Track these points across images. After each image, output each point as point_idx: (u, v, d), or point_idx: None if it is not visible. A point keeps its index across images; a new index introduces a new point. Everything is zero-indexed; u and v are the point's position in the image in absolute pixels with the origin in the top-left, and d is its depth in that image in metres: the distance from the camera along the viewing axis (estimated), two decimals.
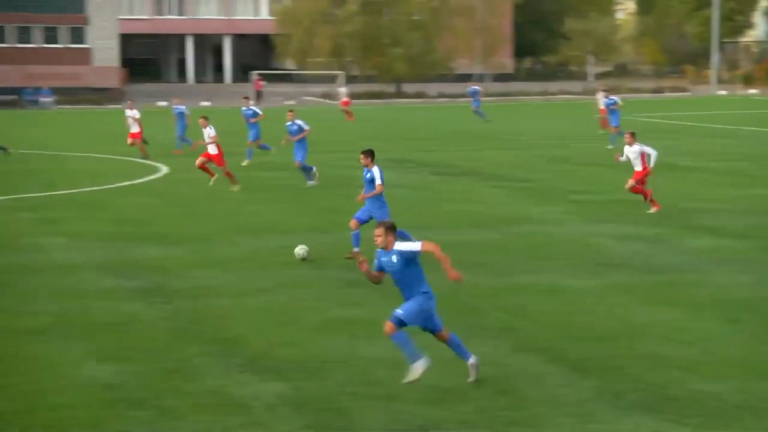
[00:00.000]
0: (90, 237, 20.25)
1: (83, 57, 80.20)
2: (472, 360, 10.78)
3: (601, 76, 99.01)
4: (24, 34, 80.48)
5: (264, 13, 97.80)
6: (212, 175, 26.84)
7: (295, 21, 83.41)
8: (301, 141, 27.28)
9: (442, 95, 77.61)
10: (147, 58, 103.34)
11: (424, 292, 10.52)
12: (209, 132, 26.84)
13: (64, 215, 23.20)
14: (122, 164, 33.37)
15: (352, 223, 17.13)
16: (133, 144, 34.24)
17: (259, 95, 78.21)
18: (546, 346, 11.97)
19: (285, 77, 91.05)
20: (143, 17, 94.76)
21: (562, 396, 10.20)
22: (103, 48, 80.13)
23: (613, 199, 24.43)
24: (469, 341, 11.49)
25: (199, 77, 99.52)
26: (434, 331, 10.78)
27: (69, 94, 73.36)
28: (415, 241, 10.81)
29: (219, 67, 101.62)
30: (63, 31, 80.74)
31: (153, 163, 32.37)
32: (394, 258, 10.22)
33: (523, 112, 64.97)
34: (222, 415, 9.73)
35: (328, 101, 74.58)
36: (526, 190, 25.96)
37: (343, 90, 62.26)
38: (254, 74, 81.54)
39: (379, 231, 10.44)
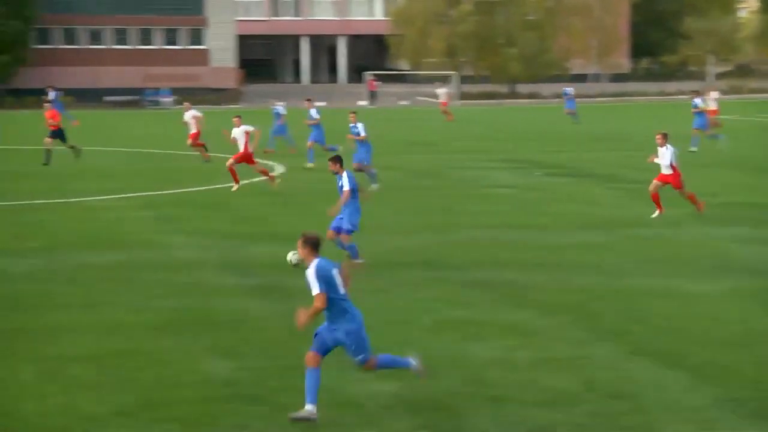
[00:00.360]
0: (207, 235, 20.47)
1: (201, 58, 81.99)
2: (414, 364, 9.73)
3: (721, 76, 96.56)
4: (145, 36, 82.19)
5: (378, 14, 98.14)
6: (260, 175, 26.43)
7: (409, 21, 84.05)
8: (364, 143, 27.24)
9: (556, 96, 76.50)
10: (262, 59, 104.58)
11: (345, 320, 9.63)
12: (242, 130, 26.63)
13: (182, 213, 23.61)
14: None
15: (329, 233, 16.79)
16: (193, 145, 34.00)
17: (373, 96, 79.35)
18: (664, 351, 11.73)
19: (398, 78, 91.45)
20: (260, 18, 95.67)
21: (681, 401, 9.99)
22: (221, 49, 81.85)
23: (731, 201, 23.94)
24: (584, 344, 11.31)
25: (314, 78, 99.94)
26: (322, 352, 9.56)
27: (187, 95, 74.05)
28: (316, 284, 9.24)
29: (333, 68, 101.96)
30: (182, 33, 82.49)
31: (269, 162, 32.67)
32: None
33: (639, 113, 64.41)
34: (336, 413, 9.75)
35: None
36: (639, 192, 25.47)
37: (441, 91, 61.79)
38: (368, 75, 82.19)
39: (299, 242, 9.52)
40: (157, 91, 76.14)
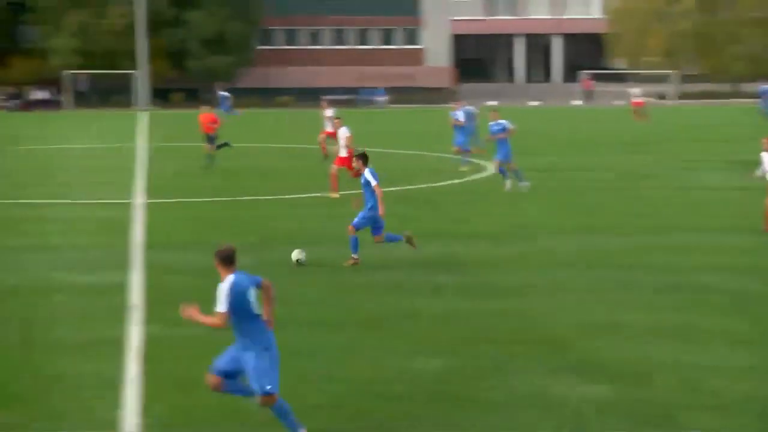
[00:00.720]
0: (415, 232, 20.79)
1: (416, 58, 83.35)
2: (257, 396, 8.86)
3: None
4: (362, 37, 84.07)
5: (595, 13, 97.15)
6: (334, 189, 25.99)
7: (627, 19, 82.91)
8: (504, 141, 26.68)
9: None
10: (477, 59, 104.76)
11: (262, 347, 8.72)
12: (344, 133, 26.33)
13: (393, 211, 24.46)
14: (446, 163, 33.80)
15: (375, 239, 16.87)
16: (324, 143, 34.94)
17: (588, 95, 78.95)
18: None
19: (615, 77, 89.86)
20: (475, 18, 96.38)
21: None
22: (436, 49, 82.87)
23: None
24: None
25: (528, 77, 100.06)
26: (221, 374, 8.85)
27: (402, 94, 76.25)
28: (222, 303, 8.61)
29: (547, 67, 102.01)
30: (398, 33, 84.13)
31: (479, 161, 32.65)
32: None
33: None
34: (545, 416, 9.71)
35: (660, 101, 73.40)
36: None
37: (636, 90, 60.90)
38: (583, 74, 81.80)
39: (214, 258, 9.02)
40: (372, 90, 77.46)
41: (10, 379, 11.16)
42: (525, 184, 26.28)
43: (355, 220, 17.29)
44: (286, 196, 26.46)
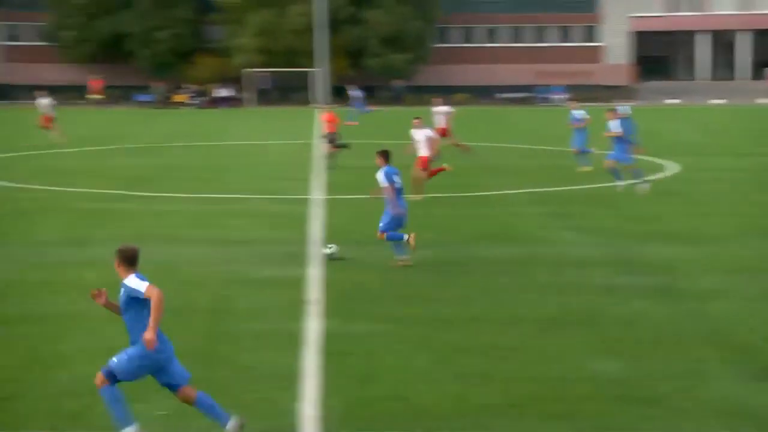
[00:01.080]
0: (597, 233, 20.62)
1: (595, 55, 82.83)
2: (232, 423, 8.78)
3: None
4: (539, 34, 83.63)
5: None
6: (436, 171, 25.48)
7: None
8: (620, 141, 25.60)
9: None
10: (658, 56, 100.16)
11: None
12: (423, 133, 25.72)
13: (572, 210, 23.82)
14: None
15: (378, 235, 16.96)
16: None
17: None
18: None
19: None
20: (656, 14, 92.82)
21: None
22: (615, 46, 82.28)
23: None
24: None
25: (713, 74, 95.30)
26: (172, 388, 8.86)
27: (580, 92, 74.88)
28: (144, 282, 8.74)
29: (732, 64, 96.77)
30: (576, 30, 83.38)
31: (661, 161, 32.03)
32: (122, 291, 8.64)
33: None
34: (736, 423, 9.38)
35: None
36: None
37: None
38: None
39: (115, 256, 9.08)
40: (548, 88, 77.14)
41: (195, 368, 11.46)
42: (644, 186, 25.25)
43: (380, 225, 16.86)
44: (466, 194, 26.22)
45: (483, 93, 75.18)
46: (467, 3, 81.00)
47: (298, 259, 17.96)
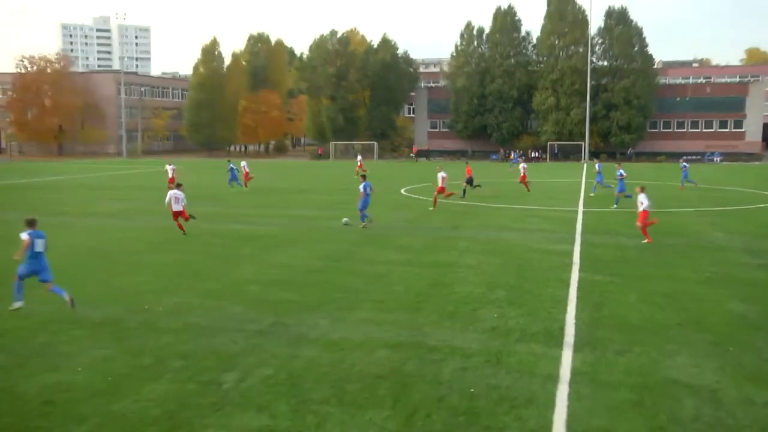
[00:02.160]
0: (737, 234, 23.31)
1: (740, 135, 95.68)
2: (68, 297, 12.40)
3: None
4: (708, 124, 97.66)
5: None
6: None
7: None
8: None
9: None
10: None
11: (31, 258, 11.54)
12: (440, 176, 29.89)
13: (722, 221, 26.99)
14: None
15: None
16: None
17: None
18: None
19: None
20: None
21: None
22: (752, 131, 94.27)
23: None
24: None
25: None
26: (44, 281, 12.65)
27: (730, 156, 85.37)
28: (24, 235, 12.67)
29: None
30: (730, 122, 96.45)
31: None
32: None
33: None
34: None
35: None
36: None
37: None
38: None
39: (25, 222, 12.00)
40: (712, 153, 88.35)
41: (509, 293, 14.80)
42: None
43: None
44: (661, 210, 30.32)
45: (674, 156, 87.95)
46: (667, 107, 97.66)
47: (568, 240, 21.13)
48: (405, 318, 12.53)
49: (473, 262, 17.92)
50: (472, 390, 9.22)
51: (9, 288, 13.46)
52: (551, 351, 10.73)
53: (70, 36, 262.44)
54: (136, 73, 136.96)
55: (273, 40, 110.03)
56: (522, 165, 40.89)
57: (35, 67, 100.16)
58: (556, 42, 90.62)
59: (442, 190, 30.65)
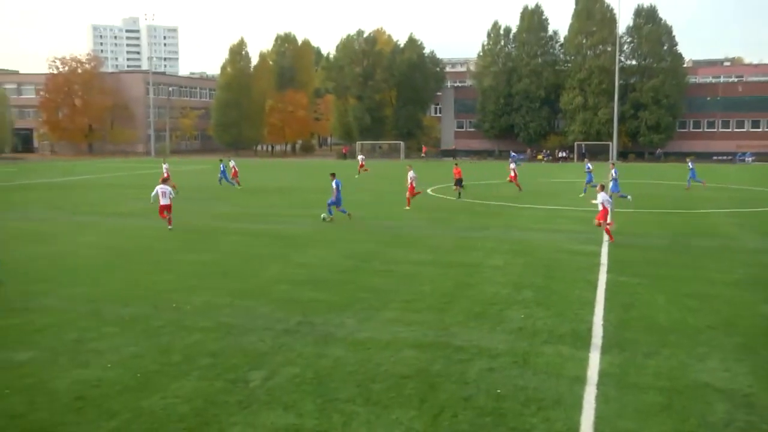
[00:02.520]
0: (765, 234, 18.69)
1: None
2: None
3: None
4: (739, 123, 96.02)
5: None
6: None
7: None
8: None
9: None
10: None
11: None
12: (409, 176, 30.72)
13: (752, 222, 27.24)
14: None
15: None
16: None
17: None
18: None
19: None
20: None
21: None
22: None
23: None
24: None
25: None
26: None
27: (761, 156, 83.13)
28: None
29: None
30: (762, 122, 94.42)
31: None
32: None
33: None
34: None
35: None
36: None
37: None
38: None
39: None
40: (744, 153, 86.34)
41: (538, 292, 14.96)
42: None
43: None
44: (690, 211, 30.72)
45: (705, 156, 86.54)
46: (697, 106, 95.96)
47: (594, 241, 21.26)
48: (432, 318, 12.58)
49: (500, 263, 18.10)
50: (499, 391, 9.17)
51: (34, 284, 14.59)
52: (579, 352, 10.70)
53: (101, 37, 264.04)
54: (164, 73, 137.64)
55: (300, 40, 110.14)
56: (512, 165, 40.94)
57: (66, 68, 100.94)
58: (584, 41, 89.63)
59: (411, 190, 31.01)
